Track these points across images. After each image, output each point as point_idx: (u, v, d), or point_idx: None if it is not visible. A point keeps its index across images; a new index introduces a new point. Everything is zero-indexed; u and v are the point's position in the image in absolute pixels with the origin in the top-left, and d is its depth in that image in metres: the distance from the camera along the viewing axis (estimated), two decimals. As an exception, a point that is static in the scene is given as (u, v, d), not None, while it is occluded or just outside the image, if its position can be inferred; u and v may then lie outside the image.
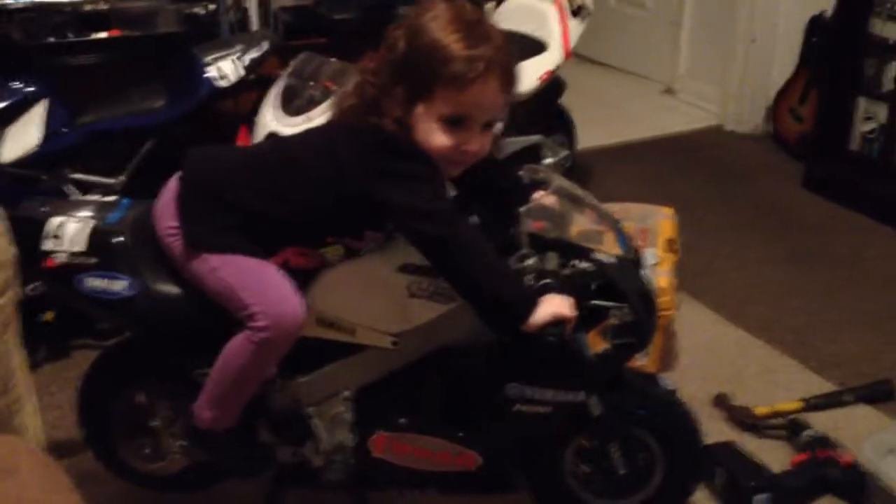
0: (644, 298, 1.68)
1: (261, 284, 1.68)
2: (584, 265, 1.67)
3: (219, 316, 1.74)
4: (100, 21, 3.02)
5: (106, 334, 2.72)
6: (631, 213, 2.88)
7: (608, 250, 1.72)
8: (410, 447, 1.85)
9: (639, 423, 1.89)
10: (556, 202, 1.77)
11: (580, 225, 1.83)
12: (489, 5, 3.74)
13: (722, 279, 3.27)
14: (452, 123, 1.57)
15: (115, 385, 1.99)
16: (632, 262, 1.72)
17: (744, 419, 2.47)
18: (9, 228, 1.09)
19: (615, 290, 1.68)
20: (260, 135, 2.54)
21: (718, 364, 2.78)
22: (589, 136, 4.05)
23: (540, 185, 1.82)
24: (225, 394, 1.75)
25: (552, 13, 3.47)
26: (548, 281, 1.61)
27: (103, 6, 3.01)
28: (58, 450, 2.31)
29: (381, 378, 1.82)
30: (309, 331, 1.78)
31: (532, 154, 3.44)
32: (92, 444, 2.07)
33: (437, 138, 1.58)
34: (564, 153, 3.60)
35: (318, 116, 2.39)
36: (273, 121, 2.49)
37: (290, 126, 2.43)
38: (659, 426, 1.90)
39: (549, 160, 3.54)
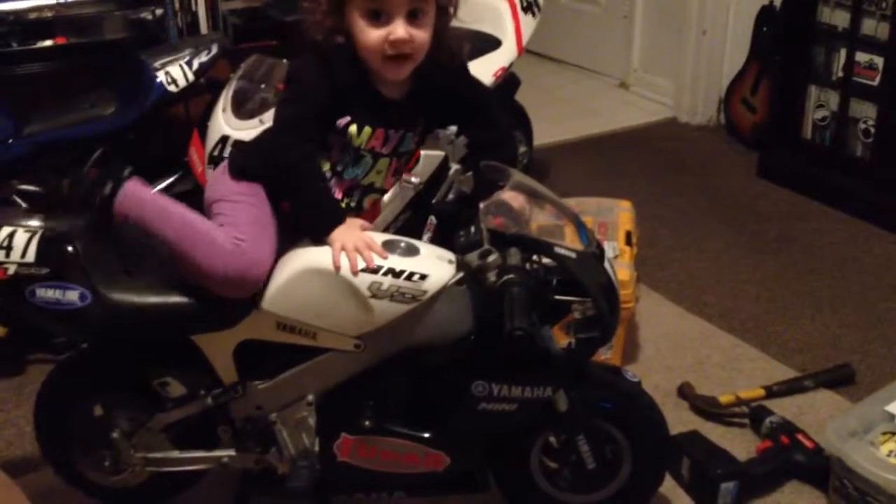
0: (607, 292, 1.69)
1: (262, 231, 1.77)
2: (546, 260, 1.67)
3: (178, 324, 1.71)
4: (44, 29, 2.96)
5: (61, 349, 2.67)
6: (589, 207, 2.89)
7: (569, 244, 1.72)
8: (377, 450, 1.83)
9: (605, 416, 1.89)
10: (518, 199, 1.76)
11: (540, 220, 1.83)
12: (441, 3, 3.74)
13: (681, 270, 3.30)
14: (374, 17, 1.69)
15: (72, 398, 1.95)
16: (593, 255, 1.72)
17: (708, 408, 2.49)
18: None
19: (577, 284, 1.68)
20: (212, 139, 2.51)
21: (681, 354, 2.80)
22: (545, 132, 4.07)
23: (498, 181, 1.82)
24: (159, 217, 1.76)
25: (504, 9, 3.46)
26: (510, 276, 1.60)
27: (48, 14, 2.95)
28: (15, 467, 2.27)
29: (344, 381, 1.81)
30: (270, 335, 1.77)
31: (489, 151, 3.43)
32: (50, 458, 2.03)
33: (365, 36, 1.70)
34: (521, 150, 3.60)
35: (271, 119, 2.36)
36: (225, 125, 2.45)
37: (242, 129, 2.40)
38: (625, 418, 1.90)
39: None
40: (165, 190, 3.00)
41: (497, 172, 1.82)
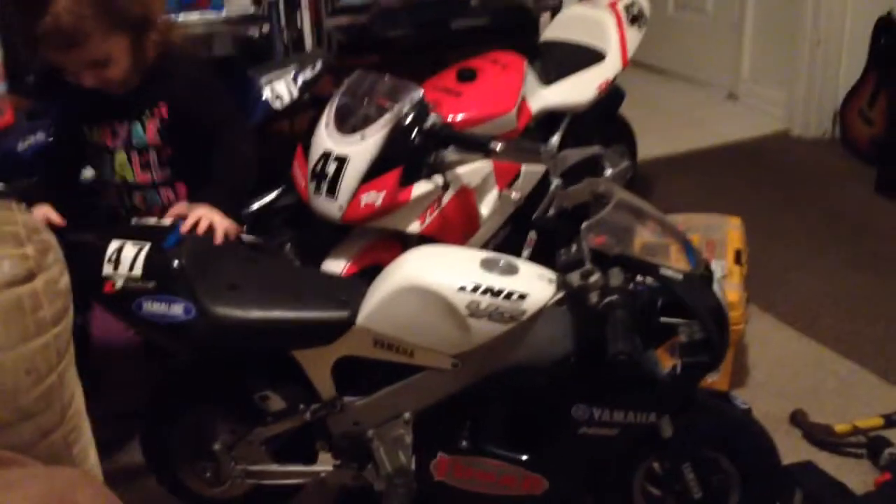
0: (716, 315, 1.63)
1: None
2: (650, 281, 1.62)
3: (279, 339, 1.73)
4: (155, 47, 3.05)
5: (171, 352, 2.74)
6: (696, 224, 2.82)
7: (675, 264, 1.66)
8: (473, 471, 1.81)
9: (712, 444, 1.83)
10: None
11: (644, 238, 1.78)
12: (545, 15, 3.71)
13: (794, 290, 3.18)
14: (87, 67, 1.86)
15: (177, 408, 1.99)
16: (701, 277, 1.66)
17: (822, 437, 2.39)
18: (63, 257, 1.08)
19: (685, 307, 1.62)
20: (315, 155, 2.53)
21: (793, 379, 2.69)
22: (650, 145, 3.99)
23: (602, 198, 1.78)
24: None
25: (610, 22, 3.41)
26: (614, 297, 1.56)
27: (158, 32, 3.04)
28: (122, 474, 2.33)
29: (441, 400, 1.80)
30: (367, 352, 1.77)
31: (592, 166, 3.38)
32: (154, 468, 2.08)
33: (82, 79, 1.89)
34: (625, 164, 3.54)
35: (373, 134, 2.38)
36: (328, 139, 2.48)
37: (344, 144, 2.42)
38: (734, 447, 1.84)
39: (609, 171, 3.48)
40: (269, 204, 3.06)
41: (601, 189, 1.78)
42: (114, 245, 1.74)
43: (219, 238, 1.87)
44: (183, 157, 2.09)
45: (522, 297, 1.67)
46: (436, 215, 2.46)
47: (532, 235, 2.93)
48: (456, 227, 2.55)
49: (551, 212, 3.02)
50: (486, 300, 1.67)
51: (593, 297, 1.60)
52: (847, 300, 3.09)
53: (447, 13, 3.51)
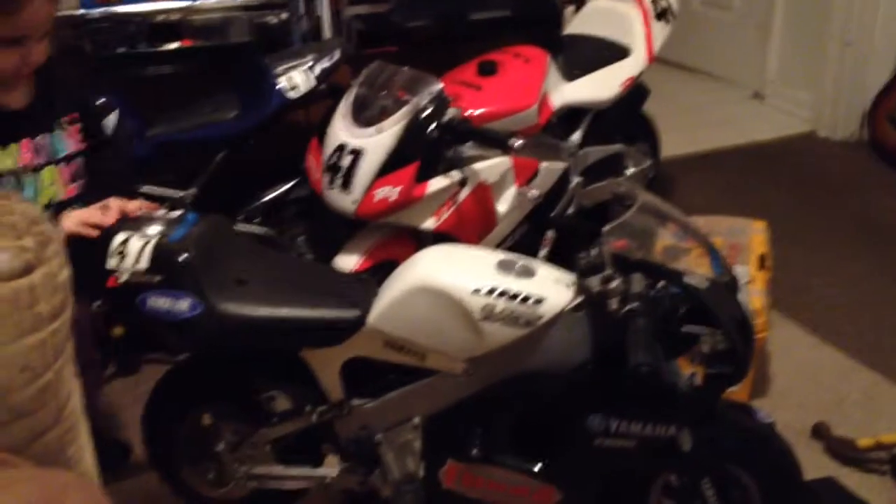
0: (741, 326, 1.57)
1: None
2: (673, 289, 1.57)
3: (287, 338, 1.68)
4: (171, 31, 3.02)
5: (176, 349, 2.72)
6: (719, 228, 2.77)
7: (698, 270, 1.61)
8: (483, 479, 1.78)
9: (733, 458, 1.78)
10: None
11: (664, 240, 1.72)
12: (569, 9, 3.65)
13: (818, 297, 3.12)
14: (9, 44, 1.65)
15: (181, 406, 1.96)
16: (727, 285, 1.60)
17: (845, 452, 2.35)
18: (64, 248, 1.04)
19: (709, 315, 1.57)
20: (330, 147, 2.50)
21: (816, 390, 2.63)
22: (673, 144, 3.93)
23: (624, 200, 1.73)
24: None
25: (635, 16, 3.36)
26: (635, 305, 1.51)
27: (175, 16, 3.01)
28: (126, 468, 2.31)
29: (452, 405, 1.76)
30: (377, 353, 1.73)
31: (614, 164, 3.33)
32: (157, 465, 2.05)
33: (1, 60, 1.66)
34: (647, 163, 3.49)
35: (391, 127, 2.34)
36: (343, 131, 2.44)
37: (360, 137, 2.38)
38: (755, 462, 1.79)
39: (631, 170, 3.43)
40: (282, 196, 3.03)
41: (623, 191, 1.73)
42: (119, 237, 1.69)
43: (134, 209, 1.77)
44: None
45: (539, 301, 1.63)
46: (452, 212, 2.42)
47: (550, 234, 2.88)
48: (472, 224, 2.51)
49: (570, 211, 2.98)
50: (501, 304, 1.63)
51: (613, 304, 1.56)
52: (873, 308, 3.04)
53: (468, 4, 3.45)
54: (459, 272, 1.68)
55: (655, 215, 1.70)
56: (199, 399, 1.93)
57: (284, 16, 3.15)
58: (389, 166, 2.30)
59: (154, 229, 1.72)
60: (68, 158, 1.86)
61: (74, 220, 1.72)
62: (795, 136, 4.52)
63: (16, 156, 1.77)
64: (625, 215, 1.62)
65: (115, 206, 1.76)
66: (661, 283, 1.61)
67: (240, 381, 1.88)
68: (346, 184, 2.32)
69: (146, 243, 1.68)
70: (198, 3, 3.02)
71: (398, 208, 2.32)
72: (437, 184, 2.34)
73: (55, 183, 1.84)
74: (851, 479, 2.25)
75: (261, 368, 1.85)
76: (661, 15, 3.42)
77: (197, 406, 1.92)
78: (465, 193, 2.44)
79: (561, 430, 1.73)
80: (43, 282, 0.99)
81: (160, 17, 3.00)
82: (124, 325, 2.73)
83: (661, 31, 3.40)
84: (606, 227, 1.61)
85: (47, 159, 1.83)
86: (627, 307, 1.52)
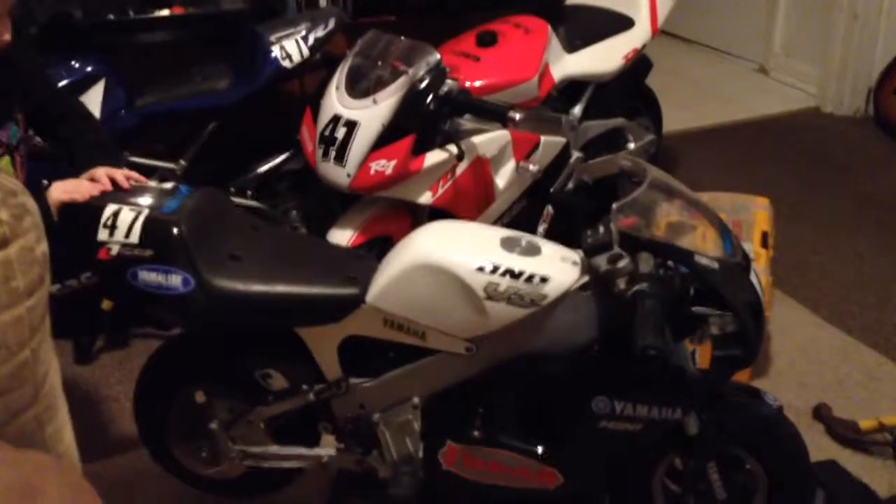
0: (753, 308, 1.55)
1: None
2: (682, 269, 1.54)
3: (283, 315, 1.65)
4: (162, -2, 2.97)
5: (166, 324, 2.69)
6: (722, 204, 2.75)
7: (707, 250, 1.58)
8: (484, 461, 1.76)
9: (740, 442, 1.76)
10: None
11: (670, 216, 1.69)
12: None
13: (821, 275, 3.10)
14: None
15: (173, 383, 1.93)
16: (738, 266, 1.58)
17: (846, 433, 2.34)
18: (41, 222, 1.01)
19: (719, 296, 1.55)
20: (324, 118, 2.47)
21: (817, 370, 2.62)
22: (675, 118, 3.91)
23: (632, 176, 1.70)
24: None
25: (640, -14, 3.32)
26: (643, 286, 1.48)
27: (166, -18, 2.96)
28: (114, 444, 2.29)
29: (453, 386, 1.74)
30: (376, 332, 1.71)
31: (615, 138, 3.30)
32: (148, 443, 2.03)
33: None
34: (649, 137, 3.46)
35: (386, 98, 2.31)
36: (338, 103, 2.41)
37: (355, 108, 2.35)
38: (762, 447, 1.77)
39: (632, 145, 3.40)
40: (275, 168, 2.99)
41: (631, 166, 1.70)
42: (110, 209, 1.66)
43: (122, 179, 1.75)
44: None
45: (544, 280, 1.60)
46: (448, 186, 2.40)
47: (549, 210, 2.86)
48: (469, 199, 2.48)
49: (570, 186, 2.95)
50: (505, 282, 1.60)
51: (621, 284, 1.52)
52: (876, 287, 3.02)
53: (468, -28, 3.41)
54: (462, 249, 1.65)
55: (665, 192, 1.67)
56: (193, 376, 1.90)
57: (279, -17, 3.11)
58: (385, 139, 2.28)
59: (146, 201, 1.69)
60: (18, 146, 1.83)
61: (62, 189, 1.68)
62: (800, 111, 4.50)
63: None
64: (635, 192, 1.59)
65: (103, 176, 1.73)
66: (670, 263, 1.59)
67: (234, 358, 1.85)
68: (341, 156, 2.29)
69: (137, 215, 1.65)
70: (189, -32, 2.97)
71: (394, 182, 2.29)
72: (433, 157, 2.32)
73: (9, 171, 1.80)
74: (853, 461, 2.25)
75: (256, 346, 1.82)
76: (666, -15, 3.38)
77: (190, 383, 1.89)
78: (462, 167, 2.42)
79: (565, 412, 1.71)
80: (19, 256, 0.95)
81: (151, -17, 2.95)
82: (112, 298, 2.71)
83: (665, 2, 3.36)
84: (616, 204, 1.58)
85: (4, 150, 1.80)
86: (636, 288, 1.49)
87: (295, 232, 2.41)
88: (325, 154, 2.33)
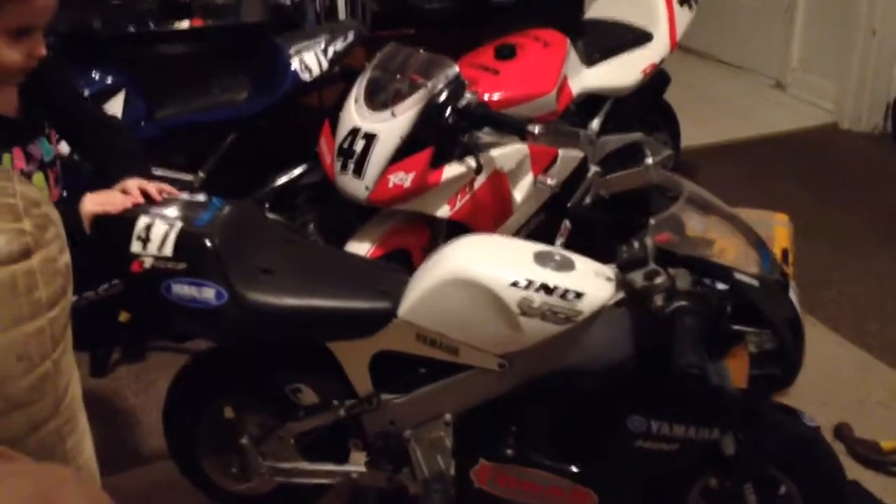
0: (793, 326, 1.55)
1: None
2: (721, 285, 1.55)
3: (315, 329, 1.66)
4: (182, 10, 2.99)
5: (184, 336, 2.70)
6: (742, 220, 2.74)
7: (745, 266, 1.59)
8: (517, 480, 1.76)
9: (777, 463, 1.75)
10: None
11: (706, 232, 1.70)
12: (590, -8, 3.63)
13: (840, 294, 3.10)
14: (19, 34, 1.58)
15: (203, 397, 1.94)
16: (778, 283, 1.59)
17: (867, 454, 2.33)
18: (63, 233, 1.01)
19: (756, 314, 1.55)
20: (343, 131, 2.49)
21: (837, 390, 2.62)
22: (692, 133, 3.91)
23: (667, 191, 1.71)
24: None
25: (659, 1, 3.34)
26: (682, 303, 1.49)
27: (186, -6, 2.98)
28: (129, 457, 2.29)
29: (485, 402, 1.74)
30: (408, 347, 1.71)
31: (633, 153, 3.31)
32: (177, 458, 2.03)
33: (7, 54, 1.59)
34: (667, 152, 3.45)
35: (405, 111, 2.32)
36: (356, 116, 2.43)
37: (374, 121, 2.37)
38: (800, 467, 1.76)
39: (650, 160, 3.40)
40: (293, 181, 3.01)
41: (665, 181, 1.71)
42: (143, 221, 1.66)
43: (156, 195, 1.75)
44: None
45: (579, 295, 1.61)
46: (467, 199, 2.41)
47: (566, 224, 2.87)
48: (487, 212, 2.49)
49: (588, 200, 2.96)
50: (539, 298, 1.60)
51: (658, 301, 1.53)
52: (896, 305, 3.02)
53: (487, -15, 3.43)
54: (496, 264, 1.66)
55: (701, 207, 1.67)
56: (222, 390, 1.91)
57: (298, -4, 3.13)
58: (403, 151, 2.29)
59: (178, 214, 1.70)
60: (52, 163, 1.83)
61: (95, 201, 1.69)
62: (817, 127, 4.51)
63: (7, 166, 1.71)
64: (671, 207, 1.60)
65: (135, 188, 1.74)
66: (706, 280, 1.59)
67: (265, 372, 1.86)
68: (359, 169, 2.31)
69: (171, 228, 1.66)
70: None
71: (412, 195, 2.30)
72: (452, 170, 2.33)
73: (44, 188, 1.80)
74: (874, 483, 2.24)
75: (286, 360, 1.82)
76: (685, 0, 3.40)
77: (220, 397, 1.89)
78: (480, 181, 2.43)
79: (600, 431, 1.72)
80: (42, 266, 0.96)
81: (171, -5, 2.97)
82: (129, 310, 2.71)
83: (684, 16, 3.38)
84: (653, 219, 1.59)
85: (38, 166, 1.79)
86: (675, 305, 1.50)
87: (326, 245, 2.42)
88: (344, 167, 2.34)
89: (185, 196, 1.80)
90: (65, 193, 1.87)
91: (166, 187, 1.78)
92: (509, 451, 1.74)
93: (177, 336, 2.79)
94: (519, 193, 2.58)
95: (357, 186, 2.31)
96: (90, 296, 2.53)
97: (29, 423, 0.97)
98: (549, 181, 2.60)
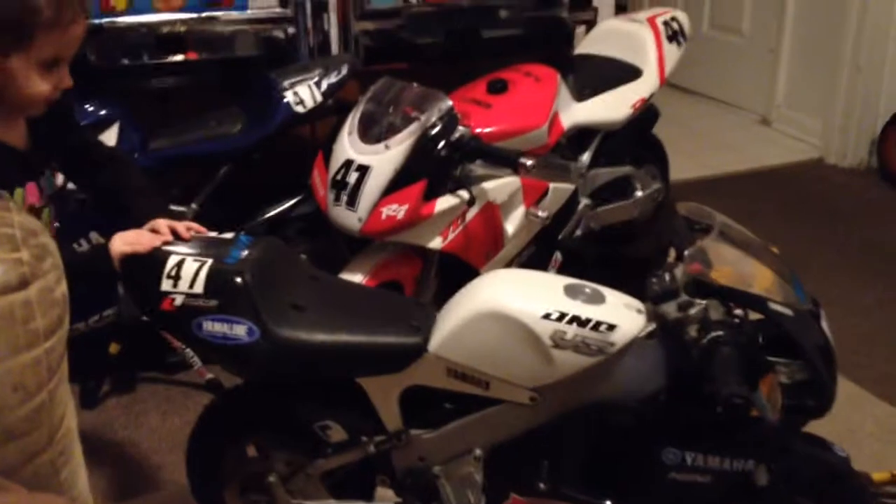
0: (826, 356, 1.61)
1: None
2: (755, 316, 1.60)
3: (346, 365, 1.68)
4: (176, 44, 3.00)
5: (174, 368, 2.70)
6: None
7: (778, 296, 1.64)
8: (549, 514, 1.78)
9: (809, 494, 1.79)
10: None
11: (738, 263, 1.75)
12: (580, 28, 3.71)
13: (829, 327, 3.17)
14: (49, 66, 1.63)
15: (228, 435, 1.94)
16: (811, 313, 1.64)
17: (859, 486, 2.36)
18: (61, 263, 1.03)
19: (788, 344, 1.60)
20: (336, 163, 2.52)
21: (828, 421, 2.60)
22: (680, 167, 3.99)
23: (694, 224, 1.76)
24: None
25: (648, 38, 3.42)
26: (719, 333, 1.53)
27: (180, 28, 2.99)
28: (118, 490, 2.28)
29: (517, 436, 1.76)
30: (439, 382, 1.73)
31: (623, 186, 3.38)
32: (201, 498, 2.02)
33: (37, 87, 1.63)
34: (657, 185, 3.53)
35: (398, 144, 2.37)
36: (350, 148, 2.46)
37: (368, 153, 2.40)
38: (830, 498, 1.80)
39: (640, 193, 3.47)
40: (286, 212, 3.02)
41: (697, 214, 1.76)
42: (173, 259, 1.68)
43: (185, 233, 1.78)
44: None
45: (611, 327, 1.64)
46: (459, 231, 2.45)
47: (557, 256, 2.92)
48: (479, 244, 2.53)
49: (578, 232, 3.01)
50: (572, 330, 1.64)
51: (692, 332, 1.57)
52: (885, 339, 3.10)
53: (478, 22, 3.48)
54: (527, 297, 1.69)
55: (732, 238, 1.73)
56: (249, 428, 1.91)
57: (292, 30, 3.16)
58: (396, 184, 2.33)
59: (208, 251, 1.71)
60: (53, 196, 1.85)
61: (124, 240, 1.71)
62: (803, 162, 4.61)
63: (21, 201, 1.72)
64: (704, 239, 1.65)
65: (164, 227, 1.76)
66: (740, 311, 1.64)
67: (292, 409, 1.87)
68: (352, 201, 2.34)
69: (201, 266, 1.67)
70: (204, 15, 3.01)
71: (405, 227, 2.34)
72: (445, 202, 2.37)
73: (48, 223, 1.82)
74: (867, 514, 2.28)
75: (315, 396, 1.83)
76: (673, 37, 3.49)
77: (246, 435, 1.90)
78: (472, 213, 2.47)
79: (633, 464, 1.74)
80: (39, 297, 0.97)
81: (166, 29, 2.98)
82: (120, 341, 2.71)
83: (672, 53, 3.46)
84: (687, 251, 1.63)
85: (46, 201, 1.81)
86: (711, 335, 1.54)
87: (353, 281, 2.45)
88: (337, 198, 2.37)
89: (212, 234, 1.82)
90: (56, 224, 1.88)
91: (194, 225, 1.80)
92: (541, 486, 1.76)
93: (168, 367, 2.79)
94: (511, 225, 2.63)
95: (350, 218, 2.35)
96: (80, 327, 2.53)
97: (23, 454, 0.98)
98: (541, 213, 2.64)
